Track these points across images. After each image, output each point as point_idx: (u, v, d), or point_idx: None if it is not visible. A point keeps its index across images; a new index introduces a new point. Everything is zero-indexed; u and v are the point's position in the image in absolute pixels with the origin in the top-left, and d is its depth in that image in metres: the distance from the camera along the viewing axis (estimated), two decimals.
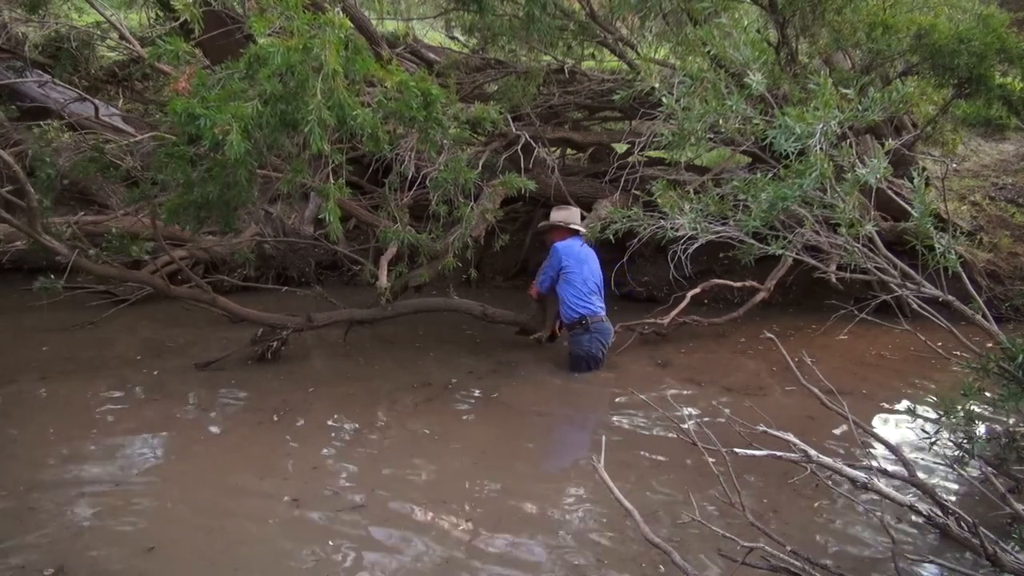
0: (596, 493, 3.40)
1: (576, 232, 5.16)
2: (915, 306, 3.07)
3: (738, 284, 5.65)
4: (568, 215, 5.24)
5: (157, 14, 7.05)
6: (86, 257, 4.49)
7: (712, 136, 3.44)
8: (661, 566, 2.83)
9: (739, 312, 5.65)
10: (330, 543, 2.98)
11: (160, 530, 3.09)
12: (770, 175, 3.09)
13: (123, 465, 3.64)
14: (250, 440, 3.93)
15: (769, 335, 3.43)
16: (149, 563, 2.87)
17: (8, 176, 4.25)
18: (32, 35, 7.23)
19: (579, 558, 2.95)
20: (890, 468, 3.08)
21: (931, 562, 2.74)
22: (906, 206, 3.13)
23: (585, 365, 4.91)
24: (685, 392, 4.65)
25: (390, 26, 7.79)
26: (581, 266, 4.98)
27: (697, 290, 5.34)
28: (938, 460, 3.56)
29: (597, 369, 4.93)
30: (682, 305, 5.32)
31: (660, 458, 3.79)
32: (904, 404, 4.51)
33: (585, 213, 5.86)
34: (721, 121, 3.27)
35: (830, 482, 2.90)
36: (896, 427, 4.21)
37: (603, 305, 5.02)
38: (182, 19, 3.50)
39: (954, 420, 3.16)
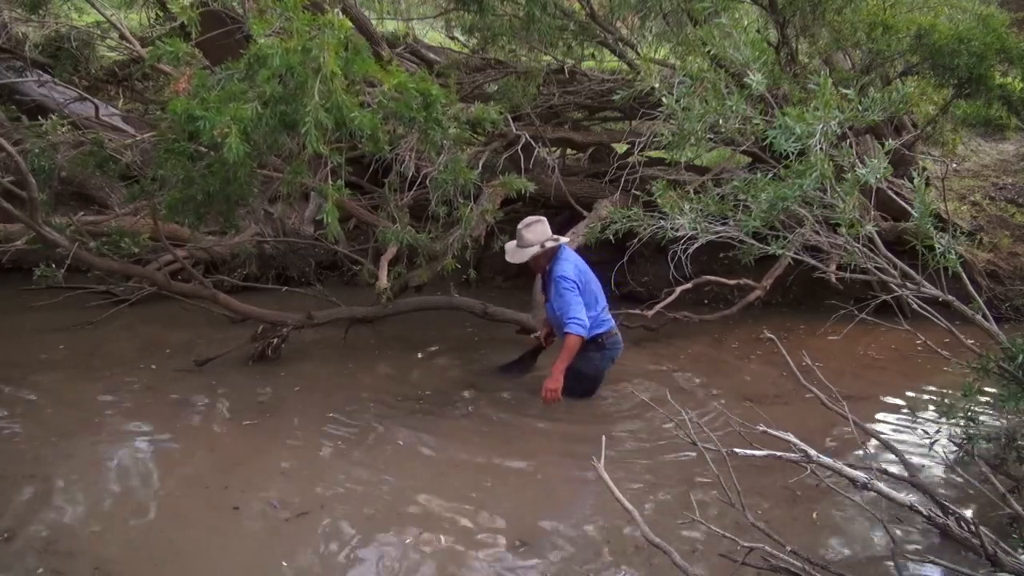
0: (583, 496, 3.39)
1: (557, 243, 4.36)
2: (915, 306, 3.07)
3: (732, 282, 5.61)
4: (542, 229, 4.32)
5: (157, 14, 7.05)
6: (87, 251, 4.50)
7: (712, 136, 3.45)
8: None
9: (732, 310, 5.62)
10: (284, 560, 2.92)
11: (112, 526, 3.13)
12: (770, 175, 3.09)
13: (95, 461, 3.68)
14: (228, 442, 3.94)
15: (770, 336, 3.43)
16: (98, 551, 2.94)
17: (8, 168, 4.27)
18: (32, 35, 7.23)
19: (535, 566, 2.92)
20: (890, 468, 3.08)
21: (931, 562, 2.74)
22: (906, 206, 3.13)
23: (591, 385, 4.42)
24: (689, 395, 4.64)
25: (390, 26, 7.79)
26: (590, 282, 4.35)
27: (688, 286, 5.28)
28: (938, 460, 3.56)
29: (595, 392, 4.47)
30: (669, 300, 5.26)
31: (660, 459, 3.78)
32: (904, 404, 4.51)
33: (586, 209, 5.86)
34: (721, 121, 3.28)
35: (830, 482, 2.90)
36: (896, 427, 4.20)
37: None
38: (182, 19, 3.51)
39: (954, 420, 3.17)
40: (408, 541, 3.04)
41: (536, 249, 4.25)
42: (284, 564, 2.88)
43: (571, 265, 4.30)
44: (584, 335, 4.15)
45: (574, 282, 4.20)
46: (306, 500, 3.33)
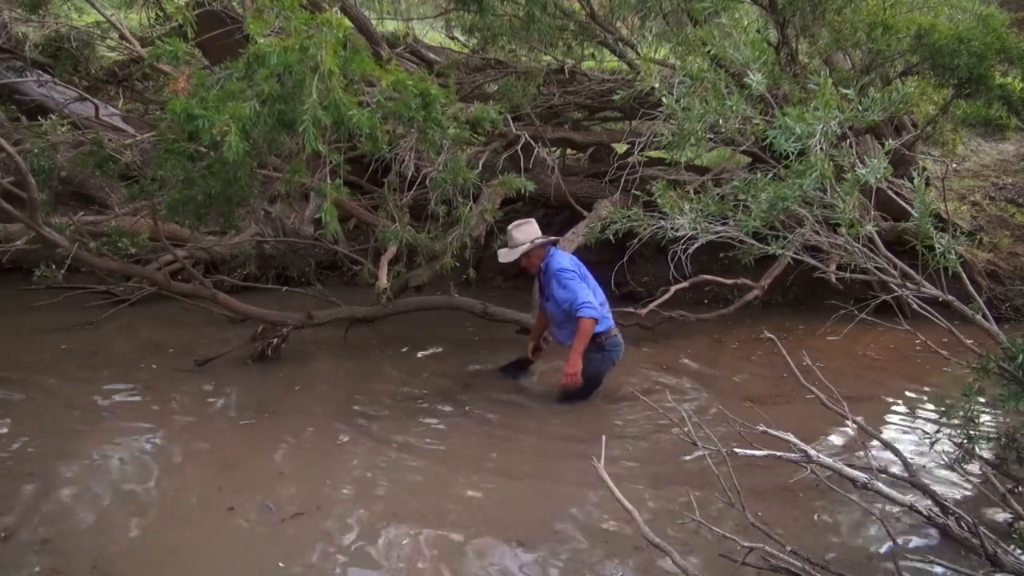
0: (583, 496, 3.38)
1: (550, 242, 4.44)
2: (915, 306, 3.07)
3: (730, 281, 5.60)
4: (531, 229, 4.36)
5: (157, 14, 7.06)
6: (87, 251, 4.50)
7: (712, 136, 3.44)
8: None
9: (730, 309, 5.61)
10: (281, 562, 2.90)
11: (110, 525, 3.13)
12: (770, 175, 3.09)
13: (93, 460, 3.69)
14: (226, 442, 3.94)
15: (770, 336, 3.42)
16: (95, 550, 2.93)
17: (8, 168, 4.28)
18: (32, 35, 7.23)
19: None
20: (890, 468, 3.08)
21: (931, 562, 2.74)
22: (906, 206, 3.13)
23: (591, 384, 4.34)
24: (689, 395, 4.63)
25: (390, 26, 7.79)
26: (587, 278, 4.35)
27: (684, 285, 5.26)
28: (938, 460, 3.55)
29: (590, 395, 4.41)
30: (663, 299, 5.25)
31: (660, 459, 3.78)
32: (904, 404, 4.51)
33: (586, 209, 5.85)
34: (721, 121, 3.27)
35: (830, 482, 2.90)
36: (896, 427, 4.20)
37: None
38: (179, 19, 3.51)
39: (954, 420, 3.16)
40: (405, 542, 3.03)
41: (526, 246, 4.30)
42: (281, 565, 2.87)
43: (567, 258, 4.38)
44: (596, 317, 4.16)
45: (574, 271, 4.26)
46: (303, 501, 3.32)
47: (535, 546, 3.01)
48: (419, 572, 2.87)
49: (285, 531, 3.09)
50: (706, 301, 6.24)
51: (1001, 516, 3.09)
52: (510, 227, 4.41)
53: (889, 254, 3.11)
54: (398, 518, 3.21)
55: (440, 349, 5.37)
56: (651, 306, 5.23)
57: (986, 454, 3.23)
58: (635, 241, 4.69)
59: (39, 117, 5.67)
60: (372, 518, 3.21)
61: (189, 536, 3.06)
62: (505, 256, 4.40)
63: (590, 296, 4.19)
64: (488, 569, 2.89)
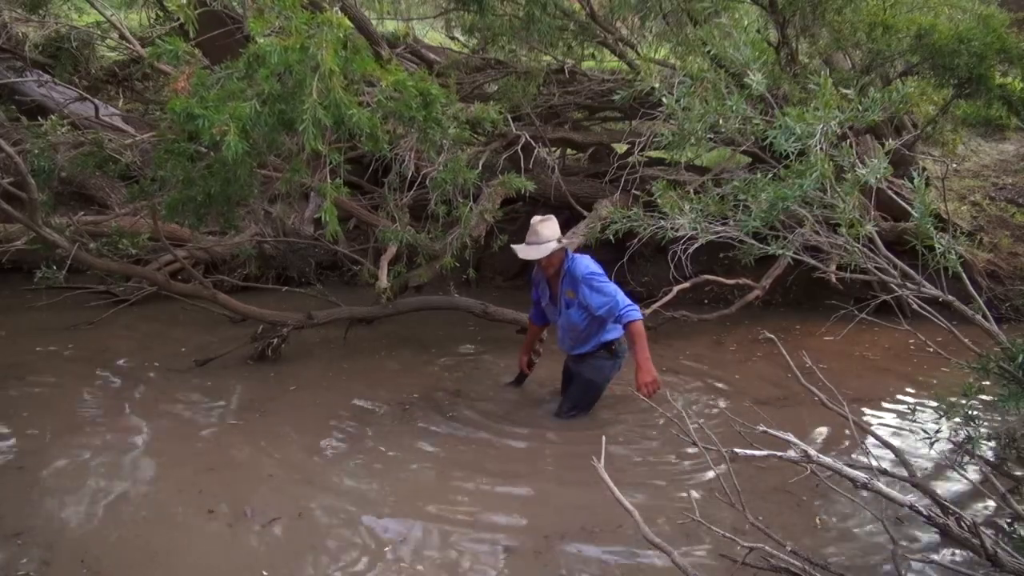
0: (582, 496, 3.38)
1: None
2: (915, 306, 3.07)
3: (731, 282, 5.60)
4: (555, 226, 4.08)
5: (157, 14, 7.06)
6: (87, 251, 4.50)
7: (712, 136, 3.44)
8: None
9: (731, 309, 5.61)
10: (265, 570, 2.86)
11: (98, 523, 3.14)
12: (770, 175, 3.09)
13: (86, 457, 3.69)
14: (218, 443, 3.92)
15: (770, 336, 3.42)
16: (83, 547, 2.94)
17: (8, 169, 4.28)
18: (32, 35, 7.23)
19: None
20: (890, 469, 3.08)
21: (931, 562, 2.74)
22: (906, 206, 3.12)
23: (597, 393, 4.23)
24: (689, 396, 4.63)
25: (390, 26, 7.79)
26: None
27: (686, 285, 5.27)
28: (938, 460, 3.55)
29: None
30: (666, 299, 5.24)
31: (660, 459, 3.78)
32: (904, 404, 4.51)
33: (586, 209, 5.85)
34: (721, 121, 3.27)
35: (830, 482, 2.90)
36: (896, 427, 4.20)
37: None
38: (180, 18, 3.52)
39: (954, 420, 3.16)
40: (387, 549, 3.00)
41: (554, 244, 3.99)
42: (265, 573, 2.83)
43: (590, 260, 4.10)
44: (642, 317, 3.99)
45: (604, 274, 4.06)
46: (288, 505, 3.28)
47: (532, 550, 3.00)
48: None
49: (269, 536, 3.06)
50: (706, 301, 6.24)
51: (1001, 516, 3.09)
52: (534, 221, 4.04)
53: (889, 254, 3.11)
54: (387, 523, 3.18)
55: (440, 350, 5.36)
56: (655, 306, 5.24)
57: (986, 454, 3.23)
58: (635, 241, 4.69)
59: (39, 117, 5.67)
60: (361, 523, 3.17)
61: (169, 539, 3.03)
62: (528, 253, 4.01)
63: (625, 297, 3.98)
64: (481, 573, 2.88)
